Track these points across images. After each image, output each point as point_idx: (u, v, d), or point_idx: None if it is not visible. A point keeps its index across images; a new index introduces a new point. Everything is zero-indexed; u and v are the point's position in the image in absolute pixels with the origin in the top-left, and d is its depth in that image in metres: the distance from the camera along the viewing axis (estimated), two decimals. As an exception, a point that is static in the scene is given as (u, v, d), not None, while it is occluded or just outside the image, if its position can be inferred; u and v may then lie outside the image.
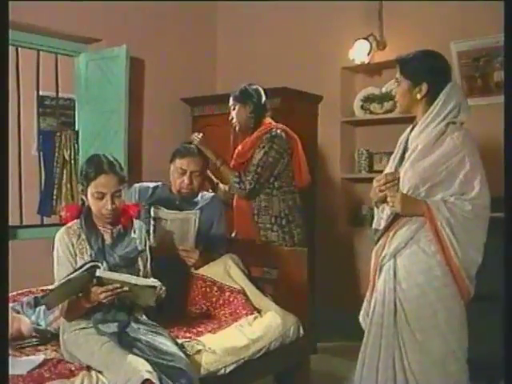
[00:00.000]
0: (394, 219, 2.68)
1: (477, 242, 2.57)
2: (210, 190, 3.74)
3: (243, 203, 3.75)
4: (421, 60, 2.70)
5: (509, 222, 2.25)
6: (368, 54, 4.78)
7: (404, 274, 2.63)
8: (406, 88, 2.70)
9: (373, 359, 2.68)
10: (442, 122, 2.61)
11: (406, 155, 2.69)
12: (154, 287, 2.55)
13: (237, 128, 3.82)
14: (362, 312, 2.83)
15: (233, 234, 3.85)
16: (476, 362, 2.70)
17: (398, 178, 2.63)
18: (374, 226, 2.82)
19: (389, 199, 2.64)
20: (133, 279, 2.52)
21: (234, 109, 3.78)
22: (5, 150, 2.06)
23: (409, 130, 2.78)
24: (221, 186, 3.82)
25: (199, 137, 3.58)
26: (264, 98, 3.77)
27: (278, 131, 3.67)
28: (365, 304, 2.82)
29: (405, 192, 2.60)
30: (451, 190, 2.55)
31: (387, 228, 2.72)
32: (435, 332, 2.57)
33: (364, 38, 4.75)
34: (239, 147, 3.83)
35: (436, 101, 2.63)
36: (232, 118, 3.81)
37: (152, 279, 2.63)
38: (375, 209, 2.82)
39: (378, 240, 2.76)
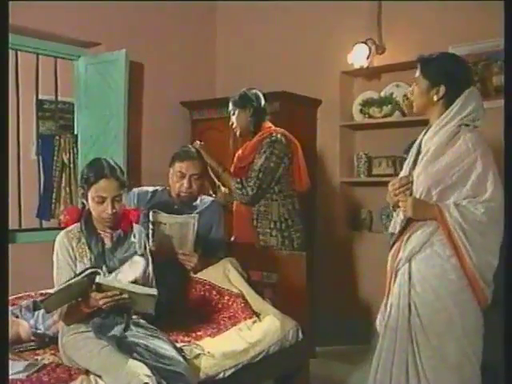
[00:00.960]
0: (409, 223, 2.68)
1: (491, 245, 2.55)
2: (212, 192, 3.75)
3: (242, 208, 3.75)
4: (442, 62, 2.70)
5: (509, 224, 2.25)
6: (367, 58, 4.78)
7: (419, 278, 2.62)
8: (423, 88, 2.70)
9: (387, 364, 2.68)
10: (455, 123, 2.60)
11: (419, 158, 2.68)
12: (153, 295, 2.55)
13: (238, 133, 3.82)
14: (378, 316, 2.82)
15: (232, 239, 3.85)
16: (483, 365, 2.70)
17: (412, 182, 2.64)
18: (390, 229, 2.83)
19: (400, 204, 2.65)
20: (132, 287, 2.52)
21: (233, 114, 3.79)
22: (5, 153, 2.06)
23: (423, 132, 2.77)
24: (222, 188, 3.82)
25: (200, 144, 3.58)
26: (264, 102, 3.77)
27: (278, 136, 3.67)
28: (381, 308, 2.81)
29: (418, 195, 2.60)
30: (464, 192, 2.54)
31: (402, 232, 2.72)
32: (450, 337, 2.56)
33: (363, 42, 4.76)
34: (239, 151, 3.84)
35: (453, 105, 2.63)
36: (232, 123, 3.81)
37: (151, 287, 2.64)
38: (393, 213, 2.81)
39: (394, 244, 2.76)
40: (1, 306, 1.91)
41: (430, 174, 2.59)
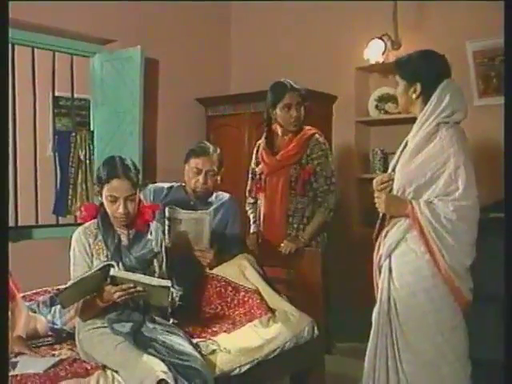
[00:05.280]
0: (387, 219, 2.73)
1: (463, 244, 2.56)
2: None
3: (277, 204, 3.70)
4: (415, 60, 2.75)
5: (509, 222, 2.23)
6: (383, 54, 4.77)
7: (397, 274, 2.66)
8: (402, 88, 2.76)
9: (372, 357, 2.73)
10: (433, 121, 2.62)
11: (402, 155, 2.72)
12: (168, 287, 2.56)
13: (293, 127, 3.69)
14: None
15: (252, 230, 3.87)
16: (484, 363, 2.67)
17: (393, 179, 2.68)
18: (376, 226, 2.86)
19: (376, 200, 2.70)
20: (146, 279, 2.53)
21: (299, 107, 3.67)
22: (5, 150, 2.05)
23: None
24: None
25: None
26: None
27: (322, 138, 3.71)
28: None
29: (395, 193, 2.65)
30: (436, 190, 2.57)
31: (381, 228, 2.77)
32: (425, 333, 2.59)
33: (378, 38, 4.74)
34: (285, 150, 3.73)
35: (430, 100, 2.66)
36: (292, 116, 3.67)
37: (165, 280, 2.64)
38: None
39: (376, 240, 2.80)
40: (1, 303, 1.91)
41: (406, 172, 2.63)
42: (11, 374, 2.29)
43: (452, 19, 4.46)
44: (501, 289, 2.25)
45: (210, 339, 2.80)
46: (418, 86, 2.69)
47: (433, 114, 2.63)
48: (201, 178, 3.40)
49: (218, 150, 3.50)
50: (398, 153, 2.78)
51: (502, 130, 2.54)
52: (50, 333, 2.88)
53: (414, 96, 2.71)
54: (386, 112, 4.92)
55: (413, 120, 4.72)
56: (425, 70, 2.69)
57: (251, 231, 3.90)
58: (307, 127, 3.73)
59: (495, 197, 3.66)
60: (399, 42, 4.75)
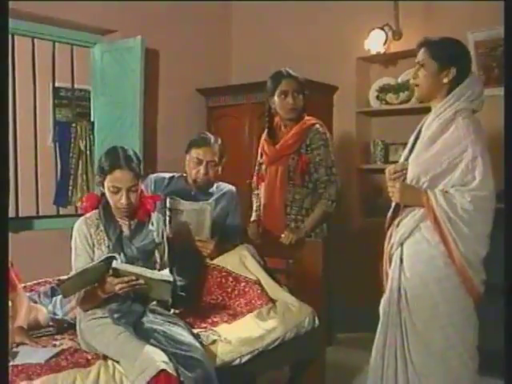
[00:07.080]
0: (400, 208, 2.69)
1: (479, 234, 2.53)
2: None
3: (276, 195, 3.69)
4: (451, 44, 2.66)
5: (509, 213, 2.22)
6: (384, 44, 4.76)
7: (409, 263, 2.63)
8: (432, 70, 2.63)
9: (380, 346, 2.71)
10: (451, 109, 2.57)
11: (417, 144, 2.67)
12: (170, 282, 2.56)
13: (292, 115, 3.66)
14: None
15: (252, 218, 3.86)
16: (491, 353, 2.66)
17: (407, 169, 2.63)
18: (388, 214, 2.82)
19: (389, 189, 2.66)
20: (148, 273, 2.53)
21: (297, 95, 3.64)
22: (5, 142, 2.05)
23: (425, 118, 2.75)
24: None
25: None
26: None
27: (322, 128, 3.67)
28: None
29: (409, 182, 2.61)
30: (452, 180, 2.53)
31: (394, 217, 2.73)
32: (435, 324, 2.56)
33: (380, 28, 4.73)
34: (284, 140, 3.71)
35: (454, 90, 2.59)
36: (288, 103, 3.63)
37: (167, 274, 2.64)
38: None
39: (388, 228, 2.77)
40: (1, 294, 1.90)
41: (421, 161, 2.59)
42: (12, 363, 2.30)
43: (453, 9, 4.44)
44: (501, 279, 2.24)
45: (210, 329, 2.81)
46: (453, 70, 2.59)
47: (453, 104, 2.57)
48: (202, 168, 3.39)
49: (219, 141, 3.49)
50: (411, 141, 2.73)
51: (502, 121, 2.54)
52: (50, 323, 2.88)
53: (445, 80, 2.61)
54: (387, 103, 4.91)
55: (414, 111, 4.75)
56: (463, 56, 2.63)
57: (251, 219, 3.89)
58: (308, 117, 3.72)
59: (496, 188, 3.67)
60: (400, 32, 4.74)
